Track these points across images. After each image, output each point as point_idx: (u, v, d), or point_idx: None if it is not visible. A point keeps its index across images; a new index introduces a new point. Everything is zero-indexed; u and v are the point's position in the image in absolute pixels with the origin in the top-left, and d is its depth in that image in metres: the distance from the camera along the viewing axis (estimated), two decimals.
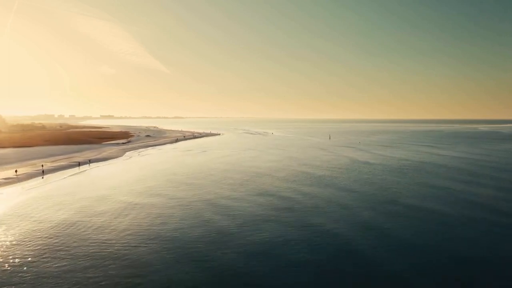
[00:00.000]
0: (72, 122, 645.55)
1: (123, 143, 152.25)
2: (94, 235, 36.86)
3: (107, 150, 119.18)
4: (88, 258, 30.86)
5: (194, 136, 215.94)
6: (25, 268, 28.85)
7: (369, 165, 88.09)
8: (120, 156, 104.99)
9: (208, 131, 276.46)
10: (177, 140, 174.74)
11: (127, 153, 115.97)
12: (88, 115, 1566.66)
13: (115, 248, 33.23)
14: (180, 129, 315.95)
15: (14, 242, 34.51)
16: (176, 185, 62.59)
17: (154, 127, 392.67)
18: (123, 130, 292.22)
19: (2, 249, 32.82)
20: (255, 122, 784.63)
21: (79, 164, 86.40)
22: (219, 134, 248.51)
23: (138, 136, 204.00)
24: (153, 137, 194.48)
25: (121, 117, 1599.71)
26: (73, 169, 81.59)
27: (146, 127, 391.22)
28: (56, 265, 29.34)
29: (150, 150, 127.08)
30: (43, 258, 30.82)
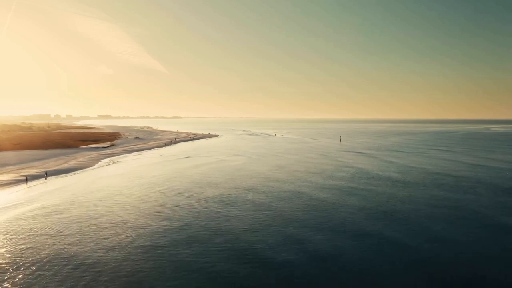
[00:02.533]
0: (67, 122, 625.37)
1: (104, 147, 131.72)
2: None
3: (79, 157, 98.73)
4: None
5: (192, 138, 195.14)
6: None
7: (419, 187, 67.07)
8: (89, 166, 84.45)
9: (207, 133, 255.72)
10: (166, 144, 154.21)
11: (102, 160, 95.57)
12: (85, 115, 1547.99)
13: None
14: (176, 130, 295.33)
15: None
16: (97, 222, 42.14)
17: (149, 127, 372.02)
18: (114, 131, 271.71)
19: None
20: (255, 122, 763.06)
21: (27, 179, 65.83)
22: (217, 135, 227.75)
23: (127, 138, 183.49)
24: (142, 140, 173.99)
25: (119, 117, 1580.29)
26: (17, 186, 61.24)
27: (140, 127, 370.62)
28: None
29: (130, 156, 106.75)
30: None
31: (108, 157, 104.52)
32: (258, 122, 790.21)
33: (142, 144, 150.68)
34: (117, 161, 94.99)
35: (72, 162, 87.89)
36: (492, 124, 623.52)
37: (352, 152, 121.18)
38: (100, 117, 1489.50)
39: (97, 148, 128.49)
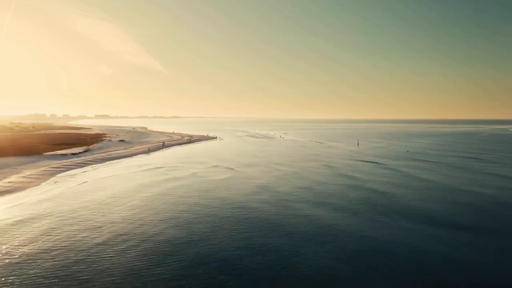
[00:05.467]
0: (62, 122, 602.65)
1: (73, 153, 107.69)
2: None
3: (28, 171, 74.79)
4: None
5: (187, 140, 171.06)
6: None
7: None
8: (29, 186, 60.26)
9: (205, 134, 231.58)
10: (150, 150, 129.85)
11: (57, 175, 71.64)
12: (83, 115, 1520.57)
13: None
14: (171, 131, 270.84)
15: None
16: None
17: (143, 128, 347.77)
18: (102, 132, 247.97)
19: None
20: (255, 122, 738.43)
21: None
22: (215, 137, 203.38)
23: (110, 141, 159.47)
24: (127, 143, 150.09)
25: (116, 117, 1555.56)
26: None
27: (133, 128, 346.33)
28: None
29: (98, 167, 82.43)
30: None
31: (70, 168, 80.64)
32: (258, 122, 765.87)
33: (124, 149, 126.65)
34: (72, 175, 71.11)
35: (8, 180, 63.77)
36: (493, 124, 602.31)
37: (380, 164, 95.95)
38: (98, 116, 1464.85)
39: (65, 155, 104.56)
